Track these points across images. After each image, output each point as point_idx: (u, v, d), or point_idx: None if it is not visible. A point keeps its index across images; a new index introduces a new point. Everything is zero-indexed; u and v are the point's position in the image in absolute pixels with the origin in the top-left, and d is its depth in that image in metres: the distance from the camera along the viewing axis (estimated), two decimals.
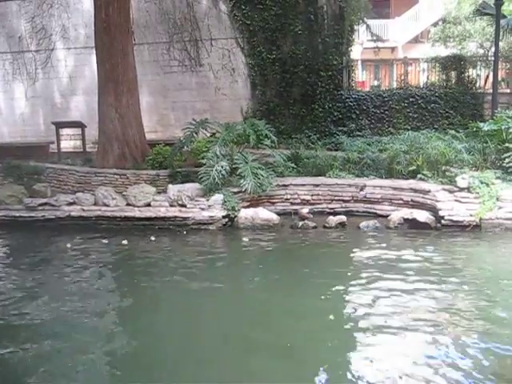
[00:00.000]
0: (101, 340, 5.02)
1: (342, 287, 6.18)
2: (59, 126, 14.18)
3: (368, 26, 15.68)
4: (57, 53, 15.88)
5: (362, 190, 9.99)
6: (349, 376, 4.12)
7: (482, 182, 8.85)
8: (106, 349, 4.83)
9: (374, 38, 15.66)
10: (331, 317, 5.24)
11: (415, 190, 9.54)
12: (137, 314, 5.71)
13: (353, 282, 6.34)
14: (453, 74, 14.58)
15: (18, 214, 10.03)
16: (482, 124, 10.26)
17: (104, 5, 11.59)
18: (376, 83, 17.54)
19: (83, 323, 5.36)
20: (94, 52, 12.48)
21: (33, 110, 16.24)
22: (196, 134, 10.94)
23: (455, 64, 14.49)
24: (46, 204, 10.09)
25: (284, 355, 4.54)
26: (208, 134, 11.65)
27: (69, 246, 8.50)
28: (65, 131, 14.97)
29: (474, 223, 8.56)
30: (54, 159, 13.33)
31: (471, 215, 8.61)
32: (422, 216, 8.94)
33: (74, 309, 5.74)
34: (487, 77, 15.38)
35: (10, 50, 16.12)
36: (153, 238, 8.78)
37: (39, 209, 10.04)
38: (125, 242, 8.56)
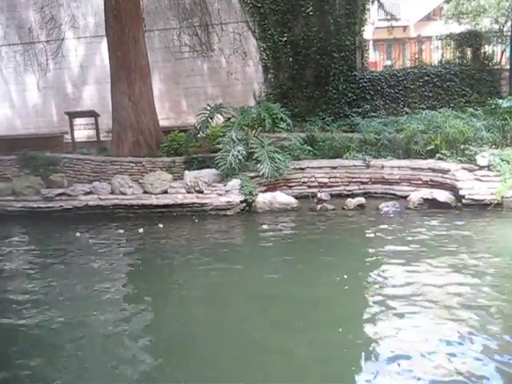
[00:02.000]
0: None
1: (366, 270, 6.14)
2: (72, 116, 14.16)
3: (381, 5, 15.41)
4: (67, 42, 15.81)
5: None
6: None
7: (502, 160, 8.70)
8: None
9: (388, 16, 15.39)
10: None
11: (434, 170, 9.42)
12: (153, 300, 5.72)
13: (378, 264, 6.30)
14: (468, 50, 14.33)
15: (35, 205, 10.06)
16: (500, 101, 10.07)
17: None
18: (389, 63, 17.30)
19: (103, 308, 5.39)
20: (105, 40, 12.47)
21: (45, 101, 16.22)
22: (211, 119, 10.86)
23: (470, 40, 14.24)
24: (63, 194, 10.11)
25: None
26: (222, 119, 11.56)
27: (78, 234, 8.52)
28: (78, 121, 14.95)
29: (496, 202, 8.43)
30: (68, 149, 13.35)
31: (492, 194, 8.47)
32: (442, 196, 8.84)
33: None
34: (503, 53, 15.10)
35: (20, 41, 16.07)
36: (161, 226, 8.74)
37: (56, 199, 10.05)
38: (141, 230, 8.54)
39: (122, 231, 8.60)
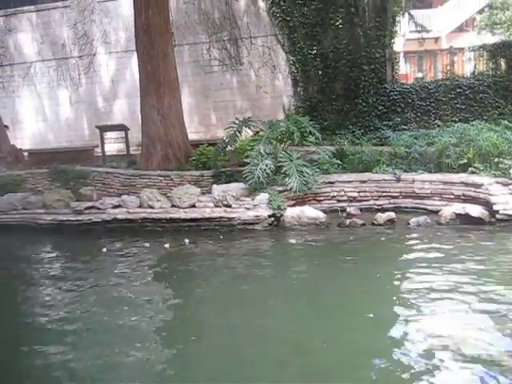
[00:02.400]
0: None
1: (394, 283, 6.05)
2: (103, 129, 14.36)
3: (412, 17, 15.22)
4: (99, 57, 16.10)
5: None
6: None
7: None
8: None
9: (419, 28, 15.17)
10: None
11: (466, 184, 9.17)
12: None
13: (405, 278, 6.19)
14: (502, 61, 13.99)
15: (65, 218, 10.16)
16: None
17: (144, 8, 11.64)
18: (420, 75, 17.06)
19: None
20: (135, 55, 12.59)
21: (77, 115, 16.50)
22: (239, 133, 10.84)
23: (504, 51, 13.88)
24: (92, 207, 10.18)
25: None
26: (251, 133, 11.54)
27: (105, 250, 8.51)
28: (109, 135, 15.18)
29: None
30: (98, 163, 13.53)
31: None
32: (475, 211, 8.57)
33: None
34: None
35: (53, 57, 16.44)
36: (186, 241, 8.66)
37: (86, 212, 10.13)
38: (167, 245, 8.51)
39: (148, 244, 8.62)
